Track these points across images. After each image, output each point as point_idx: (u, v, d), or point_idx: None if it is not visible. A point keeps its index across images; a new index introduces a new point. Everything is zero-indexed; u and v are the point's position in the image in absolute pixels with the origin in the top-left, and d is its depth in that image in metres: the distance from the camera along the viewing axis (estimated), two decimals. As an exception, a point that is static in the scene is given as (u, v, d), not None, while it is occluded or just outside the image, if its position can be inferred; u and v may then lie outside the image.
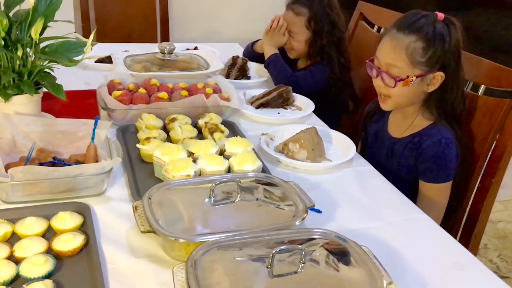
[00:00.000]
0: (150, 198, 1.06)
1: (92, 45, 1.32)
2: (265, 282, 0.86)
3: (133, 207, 1.05)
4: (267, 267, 0.87)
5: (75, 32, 1.41)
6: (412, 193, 1.49)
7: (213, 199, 1.07)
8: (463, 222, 1.58)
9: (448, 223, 1.54)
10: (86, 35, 3.10)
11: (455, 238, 1.59)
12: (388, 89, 1.44)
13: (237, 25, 3.06)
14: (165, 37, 3.05)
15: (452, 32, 1.40)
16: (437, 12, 1.42)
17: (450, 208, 1.52)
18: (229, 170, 1.26)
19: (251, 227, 1.00)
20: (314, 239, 0.96)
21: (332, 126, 1.67)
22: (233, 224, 1.03)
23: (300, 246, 0.90)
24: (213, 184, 1.07)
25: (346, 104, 2.09)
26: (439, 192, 1.48)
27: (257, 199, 1.11)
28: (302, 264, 0.88)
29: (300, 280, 0.87)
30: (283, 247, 0.89)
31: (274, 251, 0.87)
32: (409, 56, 1.38)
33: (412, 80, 1.39)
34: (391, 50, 1.41)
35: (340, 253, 0.92)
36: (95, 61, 2.04)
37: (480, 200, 1.53)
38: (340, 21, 1.99)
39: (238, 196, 1.09)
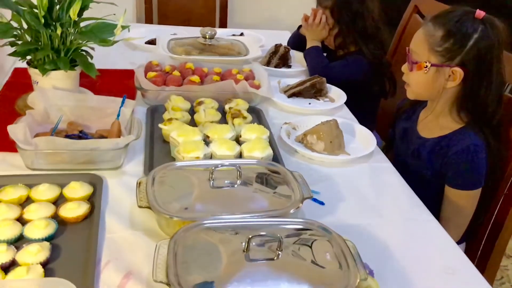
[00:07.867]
0: (154, 176, 1.11)
1: (124, 27, 1.39)
2: (239, 265, 0.88)
3: (136, 183, 1.11)
4: (243, 251, 0.90)
5: (114, 14, 1.48)
6: (436, 194, 1.46)
7: (212, 182, 1.11)
8: (488, 229, 1.53)
9: (471, 228, 1.50)
10: (148, 16, 3.21)
11: (479, 244, 1.54)
12: (408, 76, 1.47)
13: (296, 14, 3.05)
14: (223, 22, 3.10)
15: (488, 31, 1.34)
16: (478, 10, 1.37)
17: (474, 214, 1.47)
18: (241, 155, 1.29)
19: (243, 212, 1.04)
20: (298, 229, 0.98)
21: (368, 117, 1.65)
22: (228, 208, 1.06)
23: (278, 235, 0.92)
24: (213, 168, 1.11)
25: (384, 87, 2.05)
26: (466, 198, 1.43)
27: (256, 186, 1.13)
28: (279, 252, 0.91)
29: (273, 267, 0.89)
30: (261, 233, 0.92)
31: (250, 236, 0.90)
32: (428, 42, 1.39)
33: (427, 66, 1.38)
34: (416, 36, 1.44)
35: (320, 244, 0.94)
36: (145, 43, 2.13)
37: (506, 207, 1.47)
38: (363, 11, 1.93)
39: (238, 181, 1.12)
